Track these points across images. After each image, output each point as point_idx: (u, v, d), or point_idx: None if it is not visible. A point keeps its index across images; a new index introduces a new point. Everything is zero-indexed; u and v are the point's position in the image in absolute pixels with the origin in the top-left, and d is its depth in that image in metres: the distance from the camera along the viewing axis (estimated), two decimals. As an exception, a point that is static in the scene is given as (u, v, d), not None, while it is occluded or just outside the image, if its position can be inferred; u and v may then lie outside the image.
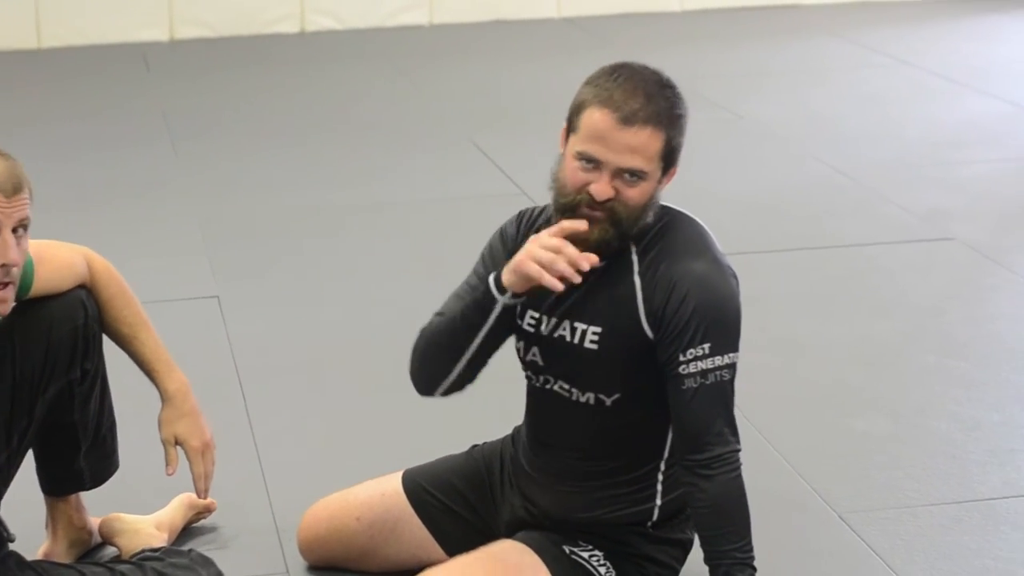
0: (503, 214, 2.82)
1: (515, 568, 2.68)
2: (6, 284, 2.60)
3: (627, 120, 2.51)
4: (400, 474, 2.99)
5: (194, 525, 3.23)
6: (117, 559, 3.00)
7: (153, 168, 6.21)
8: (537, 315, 2.69)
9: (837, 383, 4.02)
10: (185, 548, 3.00)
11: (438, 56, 8.46)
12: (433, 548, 2.92)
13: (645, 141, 2.52)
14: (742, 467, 2.58)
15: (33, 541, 3.04)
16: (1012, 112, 7.02)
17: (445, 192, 5.82)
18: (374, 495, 2.97)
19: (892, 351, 4.25)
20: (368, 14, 9.18)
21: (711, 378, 2.55)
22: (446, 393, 2.74)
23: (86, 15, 8.78)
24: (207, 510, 3.23)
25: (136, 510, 3.14)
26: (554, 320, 2.67)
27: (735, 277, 2.63)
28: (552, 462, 2.78)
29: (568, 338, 2.66)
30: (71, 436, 2.94)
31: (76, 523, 3.07)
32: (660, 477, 2.73)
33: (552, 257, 2.50)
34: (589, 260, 2.51)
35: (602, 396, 2.67)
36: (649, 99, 2.53)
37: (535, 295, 2.60)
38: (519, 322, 2.70)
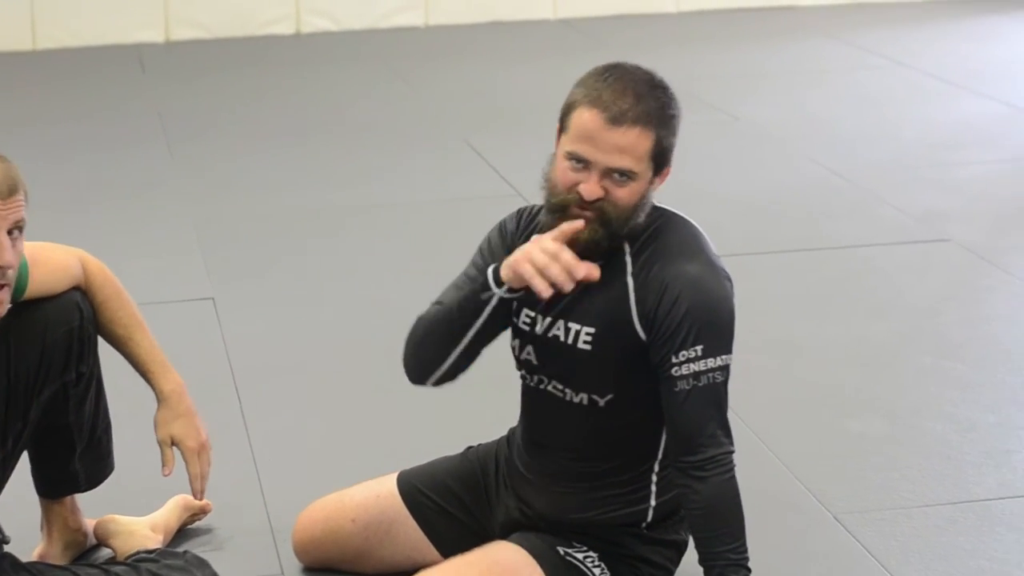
0: (498, 215, 2.82)
1: (510, 569, 2.68)
2: (1, 286, 2.60)
3: (615, 120, 2.51)
4: (395, 476, 2.99)
5: (189, 527, 3.22)
6: (112, 561, 2.99)
7: (149, 169, 6.21)
8: (532, 314, 2.69)
9: (833, 384, 4.02)
10: (180, 550, 3.00)
11: (434, 57, 8.45)
12: (428, 550, 2.92)
13: (634, 141, 2.52)
14: (736, 468, 2.58)
15: (28, 543, 3.04)
16: (1008, 113, 7.02)
17: (440, 193, 5.82)
18: (369, 497, 2.97)
19: (888, 352, 4.24)
20: (364, 15, 9.17)
21: (704, 380, 2.55)
22: (438, 383, 2.73)
23: (81, 16, 8.77)
24: (202, 511, 3.23)
25: (131, 512, 3.13)
26: (548, 320, 2.67)
27: (729, 279, 2.63)
28: (546, 463, 2.78)
29: (562, 338, 2.66)
30: (66, 438, 2.94)
31: (71, 525, 3.07)
32: (654, 478, 2.73)
33: (547, 261, 2.50)
34: (588, 270, 2.51)
35: (595, 397, 2.67)
36: (639, 99, 2.52)
37: (530, 292, 2.60)
38: (515, 319, 2.71)
